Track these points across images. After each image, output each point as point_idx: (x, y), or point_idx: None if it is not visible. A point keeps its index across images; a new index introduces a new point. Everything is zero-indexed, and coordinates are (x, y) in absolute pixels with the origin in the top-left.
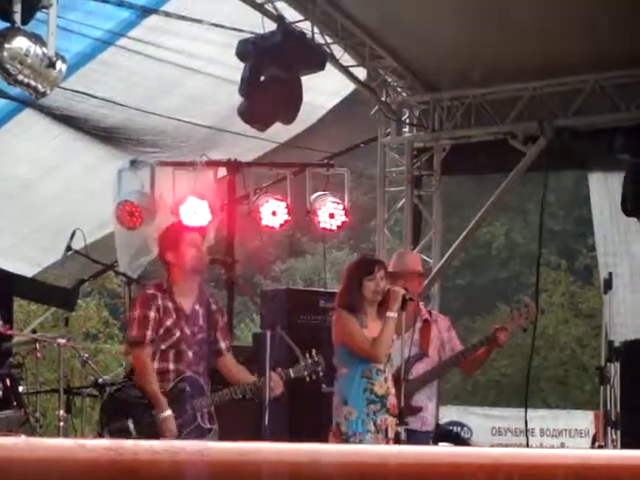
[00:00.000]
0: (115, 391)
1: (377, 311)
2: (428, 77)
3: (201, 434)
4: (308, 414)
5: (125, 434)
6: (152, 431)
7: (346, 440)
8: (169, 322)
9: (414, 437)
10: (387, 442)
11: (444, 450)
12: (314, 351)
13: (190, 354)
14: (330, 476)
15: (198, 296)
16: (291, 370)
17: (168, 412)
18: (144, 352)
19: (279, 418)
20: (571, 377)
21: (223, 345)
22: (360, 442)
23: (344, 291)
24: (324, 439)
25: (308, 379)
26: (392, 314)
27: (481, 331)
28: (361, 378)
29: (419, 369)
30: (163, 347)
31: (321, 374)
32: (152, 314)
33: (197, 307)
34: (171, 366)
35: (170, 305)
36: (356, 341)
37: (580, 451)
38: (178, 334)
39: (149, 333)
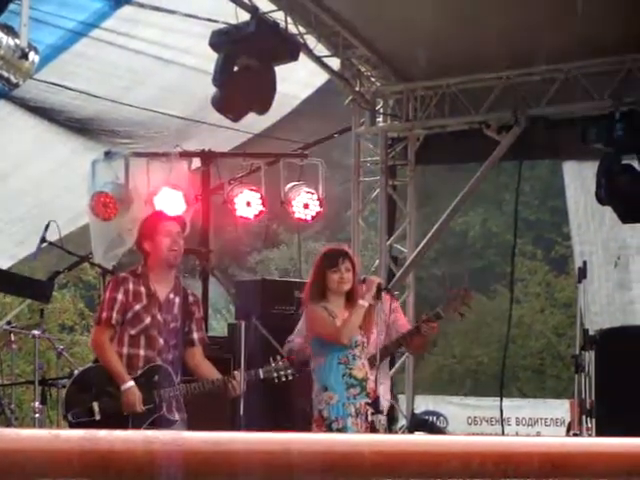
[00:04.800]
0: (82, 374)
1: (346, 302)
2: (402, 67)
3: (165, 425)
4: (282, 404)
5: (89, 417)
6: (117, 413)
7: (329, 425)
8: (138, 307)
9: None
10: (366, 427)
11: (419, 438)
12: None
13: (161, 341)
14: (305, 465)
15: (175, 285)
16: (261, 370)
17: (129, 384)
18: (104, 331)
19: (253, 408)
20: (547, 366)
21: (196, 336)
22: (342, 426)
23: (310, 283)
24: (298, 429)
25: (277, 381)
26: (363, 302)
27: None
28: (339, 364)
29: None
30: (133, 332)
31: (290, 377)
32: (120, 297)
33: (172, 296)
34: (141, 352)
35: (142, 290)
36: (322, 325)
37: (555, 439)
38: (148, 320)
39: (114, 314)
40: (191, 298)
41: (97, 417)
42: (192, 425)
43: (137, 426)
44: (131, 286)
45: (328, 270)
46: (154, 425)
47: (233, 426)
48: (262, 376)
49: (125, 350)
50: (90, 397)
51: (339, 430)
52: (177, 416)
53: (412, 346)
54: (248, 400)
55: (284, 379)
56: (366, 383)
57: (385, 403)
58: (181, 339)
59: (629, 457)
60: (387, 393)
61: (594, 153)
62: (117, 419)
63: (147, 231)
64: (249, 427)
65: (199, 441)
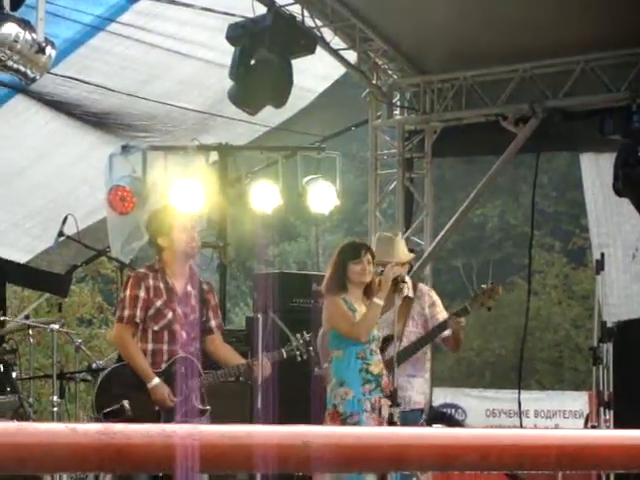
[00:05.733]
0: (109, 373)
1: (363, 295)
2: (419, 59)
3: (198, 414)
4: (299, 397)
5: (121, 415)
6: (149, 409)
7: (344, 420)
8: (159, 302)
9: (401, 418)
10: (381, 422)
11: (436, 431)
12: (305, 332)
13: (183, 334)
14: (321, 458)
15: (190, 277)
16: (283, 350)
17: (156, 381)
18: (128, 329)
19: (270, 401)
20: (565, 358)
21: (214, 323)
22: (357, 421)
23: (330, 275)
24: (315, 422)
25: (299, 359)
26: (379, 301)
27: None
28: (356, 359)
29: (391, 350)
30: (156, 328)
31: (312, 354)
32: (142, 294)
33: (189, 288)
34: (165, 347)
35: (161, 285)
36: (341, 319)
37: (572, 431)
38: (170, 315)
39: (137, 312)
40: (205, 286)
41: (129, 414)
42: (213, 417)
43: (170, 419)
44: (151, 282)
45: (350, 261)
46: (186, 416)
47: (251, 419)
48: (285, 355)
49: (150, 346)
50: (120, 396)
51: (354, 425)
52: (203, 406)
53: (447, 344)
54: (264, 392)
55: (306, 357)
56: (381, 379)
57: (420, 397)
58: (200, 330)
59: None
60: (423, 386)
61: (611, 145)
62: (149, 414)
63: (161, 227)
64: (265, 419)
65: (217, 435)
